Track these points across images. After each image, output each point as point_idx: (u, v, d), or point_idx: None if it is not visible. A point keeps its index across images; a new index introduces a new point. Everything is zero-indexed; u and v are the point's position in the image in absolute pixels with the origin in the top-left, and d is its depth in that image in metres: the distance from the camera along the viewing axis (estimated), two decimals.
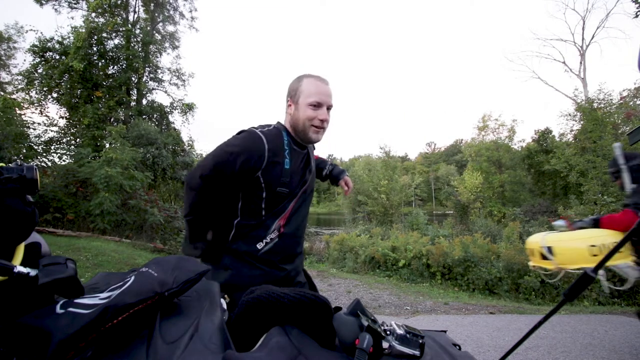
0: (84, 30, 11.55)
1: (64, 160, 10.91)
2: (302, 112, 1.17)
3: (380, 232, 11.04)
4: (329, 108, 1.21)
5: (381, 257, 8.05)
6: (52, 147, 11.65)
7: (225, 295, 1.21)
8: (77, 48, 11.22)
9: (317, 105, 1.17)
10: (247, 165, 1.09)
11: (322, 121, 1.18)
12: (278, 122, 1.27)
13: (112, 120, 13.08)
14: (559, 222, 2.45)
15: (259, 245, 1.15)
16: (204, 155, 14.17)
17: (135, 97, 14.25)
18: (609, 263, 2.02)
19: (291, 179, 1.17)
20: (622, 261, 2.26)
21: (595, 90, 15.16)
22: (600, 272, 2.10)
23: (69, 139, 12.52)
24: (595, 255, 2.08)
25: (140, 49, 13.54)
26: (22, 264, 0.63)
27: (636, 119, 13.40)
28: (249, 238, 1.15)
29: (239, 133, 1.17)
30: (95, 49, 12.51)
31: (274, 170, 1.13)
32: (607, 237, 2.16)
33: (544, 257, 2.18)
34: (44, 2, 12.78)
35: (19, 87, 12.29)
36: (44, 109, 11.99)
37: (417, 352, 0.69)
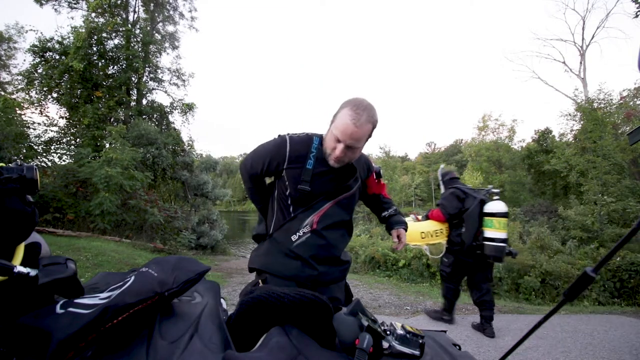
0: (83, 30, 11.52)
1: (64, 160, 10.89)
2: (328, 139, 1.24)
3: (380, 232, 11.03)
4: (351, 147, 1.19)
5: (381, 257, 8.05)
6: (52, 147, 11.61)
7: (260, 281, 1.28)
8: (77, 48, 11.20)
9: (338, 140, 1.19)
10: (273, 163, 1.26)
11: (337, 156, 1.21)
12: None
13: (112, 120, 13.05)
14: (410, 217, 3.53)
15: (293, 238, 1.23)
16: (204, 156, 14.12)
17: (135, 97, 14.22)
18: (429, 242, 3.37)
19: (315, 180, 1.23)
20: (439, 240, 3.41)
21: (595, 90, 15.17)
22: (425, 246, 3.48)
23: (69, 139, 12.49)
24: (423, 238, 3.29)
25: (140, 49, 13.51)
26: (22, 264, 0.63)
27: (636, 119, 13.40)
28: (285, 229, 1.26)
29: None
30: (95, 49, 12.47)
31: (296, 170, 1.24)
32: (430, 226, 3.34)
33: None
34: (44, 2, 12.76)
35: (19, 87, 12.27)
36: (44, 109, 11.95)
37: (417, 352, 0.69)
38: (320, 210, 1.23)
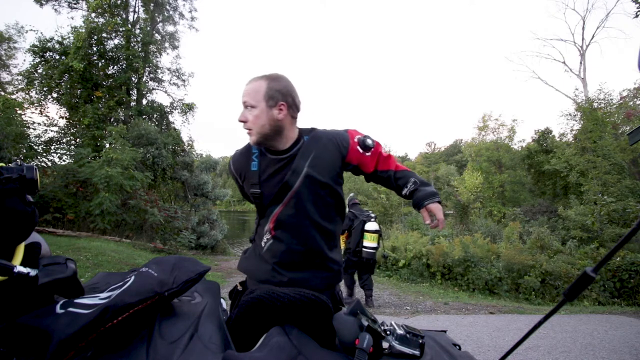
0: (83, 30, 11.53)
1: (64, 160, 10.89)
2: None
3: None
4: (248, 107, 1.12)
5: (381, 257, 8.05)
6: (52, 147, 11.62)
7: (238, 284, 1.26)
8: (77, 48, 11.20)
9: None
10: (241, 187, 1.27)
11: (239, 119, 1.15)
12: None
13: (112, 120, 13.06)
14: None
15: (262, 243, 1.19)
16: (204, 156, 14.10)
17: (135, 97, 14.22)
18: None
19: (262, 181, 1.17)
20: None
21: (595, 90, 15.16)
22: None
23: (69, 139, 12.49)
24: None
25: (140, 49, 13.51)
26: (22, 264, 0.63)
27: (636, 118, 13.40)
28: (258, 234, 1.24)
29: None
30: (95, 49, 12.48)
31: (247, 179, 1.21)
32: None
33: None
34: (44, 2, 12.76)
35: (19, 87, 12.28)
36: (44, 109, 11.96)
37: (417, 352, 0.69)
38: (272, 215, 1.16)
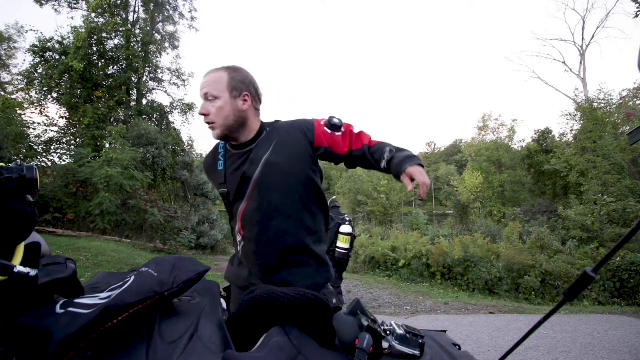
0: (84, 30, 11.55)
1: (64, 160, 10.91)
2: None
3: (380, 232, 11.04)
4: (210, 99, 1.07)
5: (381, 257, 8.06)
6: (52, 147, 11.64)
7: (222, 290, 1.19)
8: (77, 48, 11.21)
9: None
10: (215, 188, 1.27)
11: (200, 112, 1.10)
12: None
13: (112, 120, 13.07)
14: None
15: (238, 246, 1.14)
16: (204, 156, 14.25)
17: (135, 97, 14.23)
18: None
19: (228, 179, 1.13)
20: None
21: (595, 90, 15.19)
22: None
23: (69, 139, 12.51)
24: None
25: (140, 49, 13.53)
26: (22, 264, 0.63)
27: (636, 118, 13.41)
28: (234, 238, 1.17)
29: None
30: (95, 49, 12.50)
31: (216, 180, 1.18)
32: None
33: None
34: (44, 2, 12.77)
35: (19, 87, 12.30)
36: (44, 109, 11.99)
37: (417, 352, 0.69)
38: (239, 214, 1.08)
